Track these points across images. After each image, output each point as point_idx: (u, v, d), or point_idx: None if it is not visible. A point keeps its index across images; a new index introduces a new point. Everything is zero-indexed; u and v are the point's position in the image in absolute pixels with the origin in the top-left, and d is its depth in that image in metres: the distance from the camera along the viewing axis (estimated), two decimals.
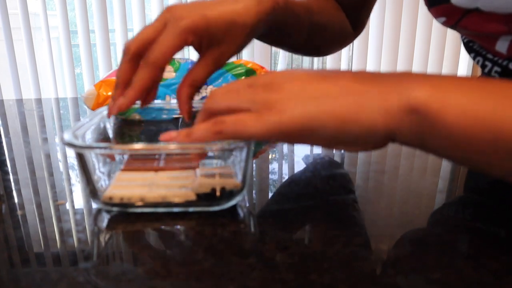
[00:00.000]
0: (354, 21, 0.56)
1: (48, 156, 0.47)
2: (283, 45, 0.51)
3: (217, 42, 0.36)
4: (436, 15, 0.48)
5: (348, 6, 0.55)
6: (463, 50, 1.97)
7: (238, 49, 0.38)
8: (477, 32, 0.47)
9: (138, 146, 0.30)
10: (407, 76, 0.27)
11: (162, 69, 0.35)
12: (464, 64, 2.02)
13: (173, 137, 0.29)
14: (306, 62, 2.31)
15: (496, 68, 0.51)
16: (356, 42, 1.87)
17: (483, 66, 0.53)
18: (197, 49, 0.37)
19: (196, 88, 0.38)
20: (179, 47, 0.35)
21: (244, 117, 0.27)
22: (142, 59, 0.35)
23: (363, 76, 0.28)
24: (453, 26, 0.48)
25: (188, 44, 0.35)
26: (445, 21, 0.48)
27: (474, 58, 0.54)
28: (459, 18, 0.46)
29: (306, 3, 0.47)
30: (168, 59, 0.35)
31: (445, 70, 1.99)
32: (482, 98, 0.24)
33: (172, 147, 0.30)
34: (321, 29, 0.51)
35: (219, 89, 0.30)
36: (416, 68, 1.95)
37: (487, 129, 0.24)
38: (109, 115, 0.37)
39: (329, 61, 1.90)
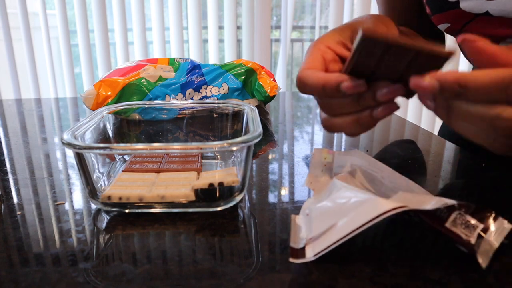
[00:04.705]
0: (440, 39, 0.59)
1: (47, 156, 0.47)
2: None
3: None
4: (440, 21, 0.48)
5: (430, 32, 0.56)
6: None
7: None
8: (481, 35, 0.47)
9: (138, 146, 0.30)
10: None
11: None
12: (464, 64, 2.02)
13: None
14: None
15: None
16: None
17: None
18: None
19: None
20: None
21: None
22: None
23: None
24: (457, 32, 0.49)
25: None
26: (449, 27, 0.48)
27: None
28: (465, 23, 0.46)
29: None
30: None
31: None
32: None
33: (171, 147, 0.30)
34: None
35: None
36: None
37: None
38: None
39: None
